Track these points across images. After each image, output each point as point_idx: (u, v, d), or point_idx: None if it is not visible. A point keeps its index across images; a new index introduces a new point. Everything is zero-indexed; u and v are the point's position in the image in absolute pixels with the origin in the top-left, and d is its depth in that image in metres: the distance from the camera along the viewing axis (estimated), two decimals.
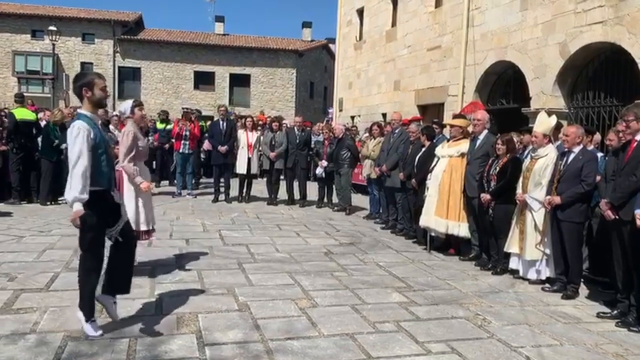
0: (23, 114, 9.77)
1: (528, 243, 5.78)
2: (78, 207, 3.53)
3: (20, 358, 3.40)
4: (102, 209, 3.74)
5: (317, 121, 19.99)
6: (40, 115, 10.72)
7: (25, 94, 12.84)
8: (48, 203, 9.53)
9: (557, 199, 5.38)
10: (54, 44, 25.08)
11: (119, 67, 31.73)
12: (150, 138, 12.88)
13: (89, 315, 3.82)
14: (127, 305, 4.38)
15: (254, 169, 10.95)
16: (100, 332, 3.80)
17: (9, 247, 6.31)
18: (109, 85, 30.69)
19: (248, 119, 11.30)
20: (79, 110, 3.81)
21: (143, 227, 5.38)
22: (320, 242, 7.48)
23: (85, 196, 3.54)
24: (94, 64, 31.36)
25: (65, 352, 3.52)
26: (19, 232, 7.17)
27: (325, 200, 11.01)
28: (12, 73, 30.73)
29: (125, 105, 5.41)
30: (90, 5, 64.96)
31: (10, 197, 9.53)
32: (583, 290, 5.63)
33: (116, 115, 9.87)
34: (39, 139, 9.74)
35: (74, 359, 3.45)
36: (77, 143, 3.56)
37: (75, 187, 3.51)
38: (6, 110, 13.32)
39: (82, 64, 31.27)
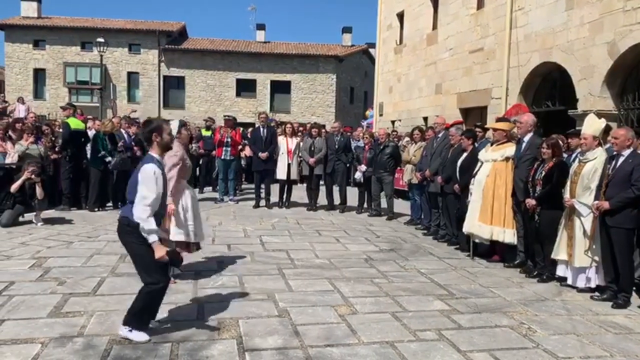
0: (75, 123, 10.15)
1: (577, 249, 5.59)
2: (156, 244, 3.74)
3: None
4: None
5: (357, 126, 19.96)
6: (89, 124, 11.08)
7: (75, 104, 13.30)
8: (96, 209, 9.83)
9: (605, 204, 5.18)
10: (101, 55, 25.92)
11: (163, 76, 32.54)
12: (194, 145, 13.17)
13: (143, 326, 3.96)
14: (169, 309, 4.48)
15: (294, 175, 11.01)
16: (148, 337, 3.91)
17: (59, 252, 6.54)
18: (154, 95, 31.83)
19: (288, 126, 11.38)
20: (150, 153, 3.99)
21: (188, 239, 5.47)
22: (360, 248, 7.44)
23: (154, 227, 3.74)
24: (140, 73, 32.32)
25: (110, 356, 3.61)
26: (68, 237, 7.42)
27: (365, 205, 10.95)
28: (63, 84, 31.97)
29: (172, 125, 5.55)
30: (136, 16, 67.08)
31: (61, 203, 9.88)
32: (635, 299, 5.38)
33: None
34: (87, 148, 10.07)
35: None
36: (149, 182, 3.75)
37: (150, 223, 3.72)
38: (59, 121, 13.89)
39: (129, 73, 32.28)
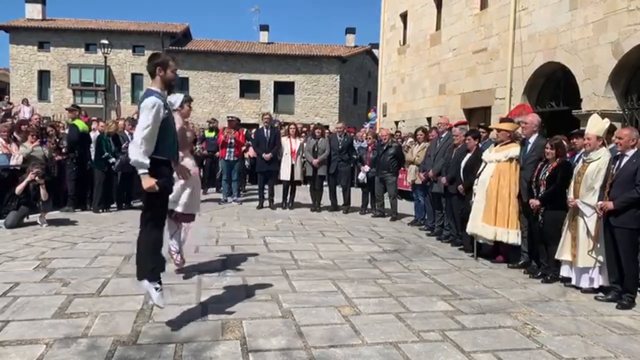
0: (81, 125, 10.20)
1: (581, 250, 5.57)
2: (144, 177, 3.78)
3: None
4: (168, 176, 4.00)
5: (361, 127, 19.96)
6: (94, 125, 11.12)
7: (79, 106, 13.35)
8: (100, 211, 9.86)
9: (609, 205, 5.17)
10: (105, 57, 26.01)
11: None
12: (198, 146, 13.19)
13: (156, 277, 3.99)
14: (173, 310, 4.49)
15: (298, 176, 11.02)
16: (165, 302, 4.00)
17: (63, 253, 6.56)
18: None
19: (291, 126, 11.40)
20: (150, 87, 4.03)
21: (188, 211, 5.54)
22: (364, 249, 7.44)
23: (146, 161, 3.79)
24: (144, 74, 32.33)
25: (114, 357, 3.62)
26: (73, 238, 7.45)
27: (369, 206, 10.95)
28: (67, 85, 32.09)
29: (176, 98, 5.53)
30: (140, 18, 67.26)
31: (65, 205, 9.91)
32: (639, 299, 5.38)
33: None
34: (91, 149, 10.10)
35: None
36: (151, 115, 3.81)
37: (137, 151, 3.79)
38: (63, 122, 13.94)
39: (133, 75, 32.38)
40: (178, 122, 5.34)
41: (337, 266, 6.38)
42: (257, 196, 11.54)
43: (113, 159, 9.85)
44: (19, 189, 8.16)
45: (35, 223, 8.35)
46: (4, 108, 18.79)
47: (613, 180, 5.25)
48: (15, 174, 8.81)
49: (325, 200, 11.22)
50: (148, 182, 3.80)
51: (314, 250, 7.25)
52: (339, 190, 11.11)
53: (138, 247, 4.05)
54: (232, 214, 10.22)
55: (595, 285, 5.56)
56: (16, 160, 9.14)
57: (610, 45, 9.61)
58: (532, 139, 6.59)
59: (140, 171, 3.79)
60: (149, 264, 3.98)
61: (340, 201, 11.12)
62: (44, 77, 32.36)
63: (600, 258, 5.46)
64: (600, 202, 5.28)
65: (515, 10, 12.41)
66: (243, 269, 6.06)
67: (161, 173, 3.94)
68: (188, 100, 5.70)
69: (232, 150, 11.55)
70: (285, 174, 10.93)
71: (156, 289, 3.98)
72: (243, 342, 3.92)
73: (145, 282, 3.98)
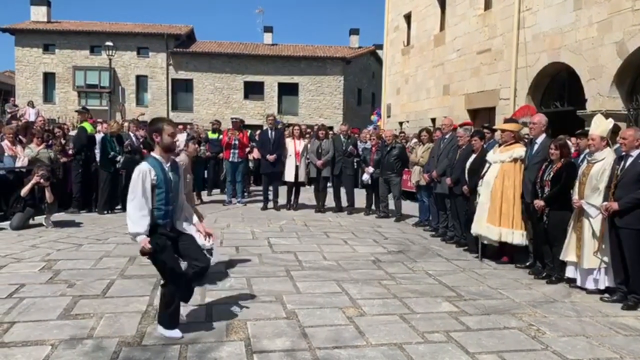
0: (90, 128, 10.25)
1: (585, 251, 5.55)
2: (142, 238, 3.81)
3: None
4: (163, 234, 4.00)
5: (364, 128, 19.93)
6: (99, 127, 11.16)
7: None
8: (105, 212, 9.90)
9: (614, 205, 5.15)
10: (110, 59, 26.09)
11: (172, 79, 32.72)
12: (202, 148, 13.22)
13: (175, 325, 4.07)
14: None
15: (302, 177, 11.02)
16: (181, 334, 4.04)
17: (68, 254, 6.59)
18: (163, 98, 31.96)
19: (295, 128, 11.40)
20: (152, 153, 4.08)
21: None
22: (368, 250, 7.44)
23: (143, 230, 3.82)
24: (148, 76, 32.52)
25: (119, 358, 3.63)
26: (78, 240, 7.47)
27: (373, 207, 10.94)
28: (72, 87, 32.22)
29: (181, 138, 5.57)
30: (145, 20, 67.44)
31: (71, 206, 9.95)
32: None
33: None
34: (96, 151, 10.14)
35: None
36: (133, 183, 3.87)
37: (132, 221, 3.84)
38: (67, 124, 14.00)
39: (138, 77, 32.50)
40: (184, 162, 5.38)
41: (342, 267, 6.38)
42: (261, 197, 11.55)
43: (119, 157, 9.89)
44: (24, 191, 8.20)
45: (40, 225, 8.39)
46: (9, 111, 18.90)
47: (618, 180, 5.23)
48: (21, 176, 8.86)
49: (330, 201, 11.23)
50: (141, 245, 3.82)
51: (318, 251, 7.25)
52: (343, 191, 11.10)
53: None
54: (237, 215, 10.23)
55: (601, 287, 5.53)
56: (21, 162, 9.19)
57: (615, 45, 9.59)
58: (539, 140, 6.55)
59: (138, 239, 3.82)
60: (165, 315, 4.05)
61: (344, 202, 11.12)
62: (49, 79, 32.51)
63: (606, 259, 5.44)
64: (605, 203, 5.26)
65: (520, 10, 12.39)
66: (247, 270, 6.07)
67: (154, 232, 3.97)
68: (192, 139, 5.75)
69: (236, 151, 11.56)
70: (289, 175, 10.94)
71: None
72: (247, 343, 3.93)
73: (160, 328, 4.07)
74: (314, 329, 4.25)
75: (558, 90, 11.93)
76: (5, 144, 9.34)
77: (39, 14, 33.33)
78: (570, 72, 10.98)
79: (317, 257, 6.86)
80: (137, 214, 3.83)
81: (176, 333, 4.01)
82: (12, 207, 8.42)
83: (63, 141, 10.35)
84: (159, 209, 3.95)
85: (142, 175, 3.87)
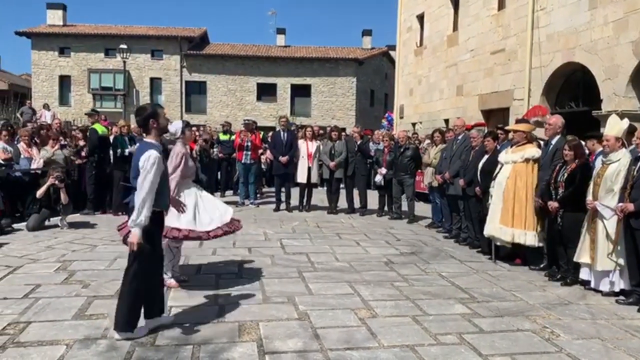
0: (100, 129, 10.34)
1: (600, 253, 5.49)
2: (138, 232, 3.77)
3: None
4: (160, 227, 4.05)
5: (377, 129, 19.90)
6: (114, 129, 11.26)
7: (99, 110, 13.56)
8: (119, 213, 9.95)
9: (630, 207, 5.08)
10: (124, 61, 26.31)
11: (185, 82, 32.92)
12: (215, 150, 13.30)
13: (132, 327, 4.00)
14: (190, 312, 4.53)
15: (314, 178, 11.03)
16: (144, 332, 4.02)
17: (83, 255, 6.66)
18: (176, 100, 32.16)
19: (308, 129, 11.42)
20: (146, 140, 4.03)
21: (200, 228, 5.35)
22: (381, 252, 7.42)
23: (146, 217, 3.79)
24: (162, 79, 32.73)
25: (133, 358, 3.66)
26: (92, 241, 7.55)
27: (386, 208, 10.92)
28: (87, 90, 32.55)
29: (176, 126, 5.56)
30: (158, 23, 68.07)
31: (85, 208, 10.04)
32: None
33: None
34: (110, 152, 10.23)
35: None
36: (152, 172, 3.79)
37: (143, 213, 3.76)
38: (78, 126, 14.14)
39: (152, 79, 32.72)
40: (182, 149, 5.37)
41: (354, 269, 6.37)
42: (274, 199, 11.58)
43: (128, 148, 9.89)
44: (40, 192, 8.30)
45: (56, 226, 8.48)
46: (22, 117, 19.01)
47: (634, 181, 5.16)
48: (36, 177, 8.96)
49: (342, 202, 11.22)
50: (136, 237, 3.76)
51: (331, 252, 7.25)
52: (355, 192, 11.09)
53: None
54: (249, 216, 10.26)
55: (616, 289, 5.47)
56: (37, 164, 9.30)
57: (630, 45, 9.47)
58: (554, 140, 6.51)
59: (135, 229, 3.76)
60: (124, 315, 3.95)
61: (356, 204, 11.11)
62: (64, 82, 32.85)
63: (621, 261, 5.37)
64: (620, 204, 5.20)
65: (534, 10, 12.30)
66: (260, 271, 6.09)
67: (157, 226, 3.99)
68: (187, 125, 5.75)
69: (249, 153, 11.60)
70: (301, 177, 10.96)
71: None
72: (260, 344, 3.94)
73: (116, 334, 3.95)
74: (326, 330, 4.25)
75: (573, 90, 11.82)
76: (21, 146, 9.47)
77: (54, 17, 33.72)
78: (585, 72, 10.87)
79: (329, 259, 6.86)
80: (149, 203, 3.78)
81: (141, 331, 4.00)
82: (28, 209, 8.53)
83: (81, 143, 10.44)
84: (164, 195, 3.97)
85: (159, 161, 3.84)
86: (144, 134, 4.12)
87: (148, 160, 3.79)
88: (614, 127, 5.53)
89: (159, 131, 4.04)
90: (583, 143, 6.49)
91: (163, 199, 3.99)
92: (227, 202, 11.80)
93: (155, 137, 4.03)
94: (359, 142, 11.14)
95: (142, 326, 4.04)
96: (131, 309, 3.96)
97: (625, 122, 5.59)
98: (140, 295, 3.99)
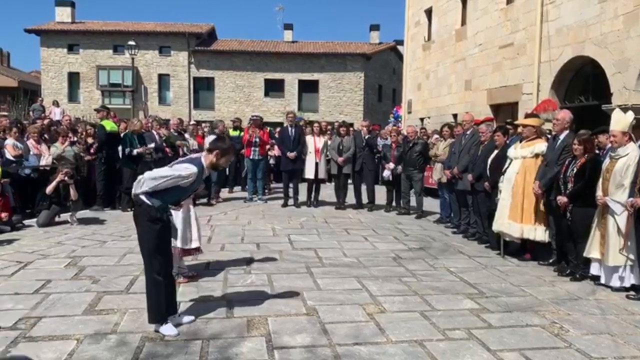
0: (109, 125, 10.39)
1: (610, 248, 5.45)
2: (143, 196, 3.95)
3: (102, 357, 3.61)
4: (168, 230, 4.15)
5: (385, 124, 19.86)
6: (123, 126, 11.30)
7: (107, 106, 13.60)
8: (129, 209, 10.01)
9: None
10: (133, 58, 26.40)
11: (193, 78, 32.99)
12: None
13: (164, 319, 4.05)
14: (199, 307, 4.56)
15: (322, 174, 11.03)
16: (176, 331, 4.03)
17: (93, 251, 6.71)
18: (184, 96, 32.25)
19: (315, 125, 11.41)
20: (202, 158, 4.15)
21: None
22: (389, 247, 7.41)
23: (144, 198, 3.93)
24: (170, 75, 32.82)
25: (143, 352, 3.69)
26: (102, 237, 7.60)
27: (394, 204, 10.90)
28: (96, 87, 32.70)
29: (209, 140, 5.58)
30: (166, 19, 68.19)
31: (95, 204, 10.11)
32: None
33: (194, 123, 10.17)
34: (120, 149, 10.27)
35: (151, 359, 3.61)
36: (175, 178, 3.94)
37: (143, 187, 3.93)
38: (87, 123, 14.22)
39: (160, 75, 32.82)
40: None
41: (362, 264, 6.37)
42: (282, 194, 11.60)
43: (135, 151, 9.91)
44: (49, 189, 8.36)
45: (66, 222, 8.54)
46: (32, 114, 19.12)
47: None
48: (46, 174, 9.03)
49: (350, 198, 11.21)
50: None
51: (339, 248, 7.25)
52: (363, 188, 11.08)
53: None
54: (257, 212, 10.28)
55: (627, 284, 5.43)
56: (46, 160, 9.37)
57: None
58: (562, 136, 6.46)
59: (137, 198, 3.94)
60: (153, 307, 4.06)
61: (365, 199, 11.10)
62: (73, 79, 33.02)
63: (632, 256, 5.33)
64: (630, 199, 5.16)
65: (543, 3, 12.18)
66: (268, 267, 6.10)
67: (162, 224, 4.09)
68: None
69: (257, 149, 11.60)
70: (309, 172, 10.96)
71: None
72: (268, 339, 3.96)
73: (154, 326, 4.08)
74: (334, 326, 4.26)
75: (582, 84, 11.71)
76: (31, 142, 9.54)
77: (63, 14, 33.86)
78: (595, 65, 10.77)
79: (337, 254, 6.87)
80: (153, 183, 3.90)
81: (172, 330, 4.04)
82: (38, 205, 8.60)
83: (91, 140, 10.50)
84: (165, 199, 4.04)
85: (192, 179, 3.98)
86: (205, 152, 4.22)
87: (186, 169, 3.96)
88: (619, 122, 5.48)
89: (212, 165, 4.12)
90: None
91: (163, 198, 4.03)
92: (236, 198, 11.95)
93: (209, 165, 4.11)
94: (367, 137, 11.15)
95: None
96: (155, 301, 4.05)
97: (630, 115, 5.53)
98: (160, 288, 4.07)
